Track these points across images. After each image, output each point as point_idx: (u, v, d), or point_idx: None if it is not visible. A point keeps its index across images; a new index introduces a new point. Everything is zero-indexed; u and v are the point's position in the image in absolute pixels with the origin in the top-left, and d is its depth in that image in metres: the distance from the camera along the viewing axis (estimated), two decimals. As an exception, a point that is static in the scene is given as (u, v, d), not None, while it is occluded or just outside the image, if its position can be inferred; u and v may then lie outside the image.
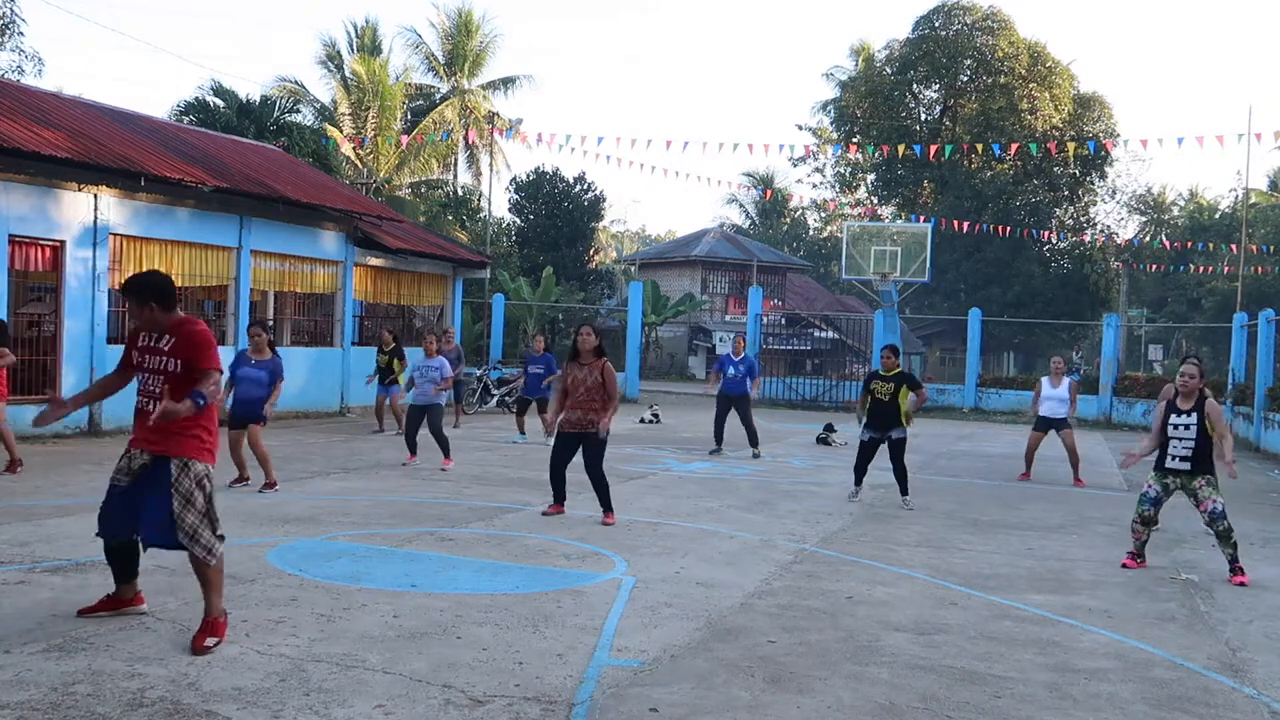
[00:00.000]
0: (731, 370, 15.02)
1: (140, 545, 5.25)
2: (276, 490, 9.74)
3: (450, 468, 12.00)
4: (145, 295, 5.17)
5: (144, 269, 14.99)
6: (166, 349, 5.15)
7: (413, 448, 12.37)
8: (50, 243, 13.72)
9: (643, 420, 20.07)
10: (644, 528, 8.69)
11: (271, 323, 18.81)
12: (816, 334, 40.18)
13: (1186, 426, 7.60)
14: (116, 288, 14.77)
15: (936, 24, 44.75)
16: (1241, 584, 7.46)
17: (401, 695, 4.44)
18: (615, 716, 4.34)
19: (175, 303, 5.29)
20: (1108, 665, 5.36)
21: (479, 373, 22.06)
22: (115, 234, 14.48)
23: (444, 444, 12.20)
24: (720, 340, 40.75)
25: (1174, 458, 7.66)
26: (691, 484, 11.68)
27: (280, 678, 4.57)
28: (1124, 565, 7.90)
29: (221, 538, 5.14)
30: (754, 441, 14.98)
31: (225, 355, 16.21)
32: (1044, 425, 13.31)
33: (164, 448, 5.07)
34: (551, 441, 14.88)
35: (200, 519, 5.03)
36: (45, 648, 4.84)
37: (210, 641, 4.92)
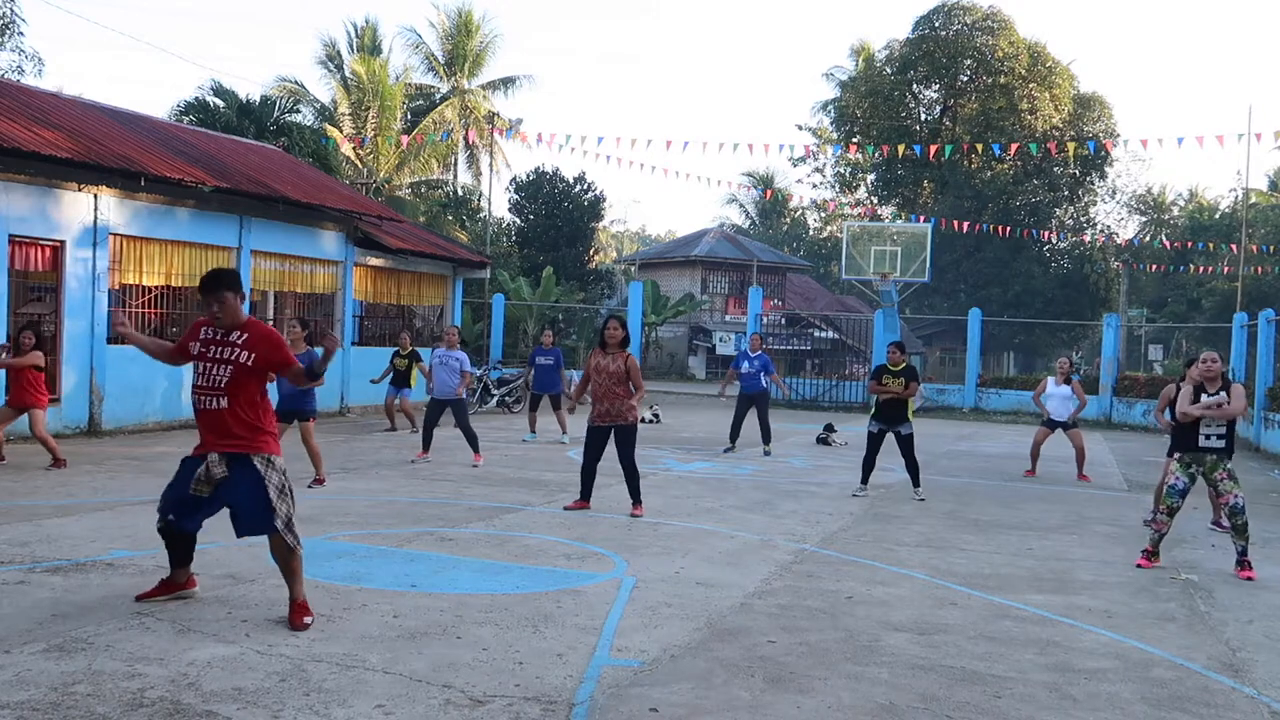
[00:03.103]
0: (747, 365, 15.10)
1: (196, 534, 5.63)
2: (324, 486, 10.12)
3: (481, 463, 12.17)
4: (228, 283, 5.39)
5: (144, 269, 15.04)
6: (240, 342, 5.36)
7: (427, 443, 12.43)
8: (50, 243, 13.71)
9: (643, 420, 20.06)
10: (644, 528, 8.69)
11: (271, 322, 18.82)
12: (816, 334, 40.18)
13: (1219, 406, 7.69)
14: (117, 287, 14.80)
15: (936, 24, 44.75)
16: (1248, 578, 7.51)
17: (401, 695, 4.44)
18: (615, 716, 4.34)
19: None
20: (1108, 665, 5.36)
21: (479, 373, 22.05)
22: (115, 234, 14.48)
23: (474, 439, 12.32)
24: (720, 340, 40.75)
25: (1209, 437, 7.74)
26: (691, 484, 11.68)
27: (280, 678, 4.58)
28: (1139, 565, 7.86)
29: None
30: (766, 439, 15.10)
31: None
32: (1051, 424, 13.47)
33: (243, 447, 5.33)
34: (567, 439, 15.05)
35: (291, 508, 5.38)
36: (45, 648, 4.84)
37: (308, 619, 5.32)
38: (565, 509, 9.32)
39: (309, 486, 10.05)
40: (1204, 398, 7.75)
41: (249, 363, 5.33)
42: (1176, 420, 8.12)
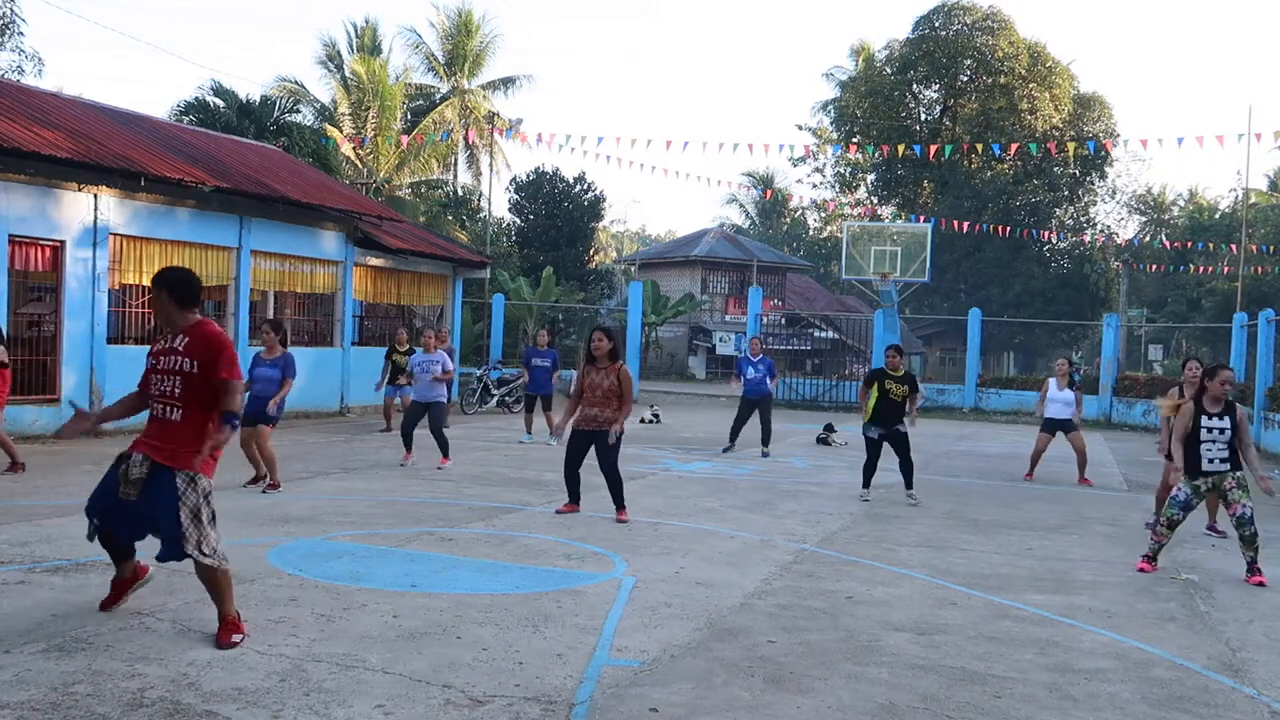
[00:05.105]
0: (751, 371, 15.08)
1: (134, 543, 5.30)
2: (280, 491, 9.71)
3: (448, 467, 11.90)
4: (161, 283, 5.16)
5: (144, 269, 15.03)
6: (181, 349, 5.07)
7: (408, 444, 12.23)
8: (50, 243, 13.71)
9: (643, 420, 20.07)
10: (644, 528, 8.69)
11: (271, 323, 18.82)
12: (816, 334, 40.17)
13: (1221, 430, 7.59)
14: (117, 288, 14.80)
15: (936, 24, 44.78)
16: (1260, 584, 7.42)
17: (401, 695, 4.44)
18: (615, 716, 4.34)
19: (193, 302, 5.22)
20: (1108, 665, 5.36)
21: (479, 373, 22.06)
22: (115, 234, 14.48)
23: (443, 443, 12.07)
24: (720, 340, 40.73)
25: (1211, 461, 7.59)
26: (691, 484, 11.68)
27: (280, 678, 4.58)
28: (1140, 570, 7.74)
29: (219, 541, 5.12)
30: (766, 440, 15.07)
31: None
32: (1051, 427, 13.23)
33: (171, 459, 5.01)
34: (555, 441, 14.96)
35: (204, 533, 5.01)
36: (45, 648, 4.84)
37: (236, 638, 5.01)
38: (557, 512, 9.18)
39: (263, 491, 9.70)
40: (1205, 420, 7.61)
41: (193, 370, 5.02)
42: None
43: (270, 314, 19.00)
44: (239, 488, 9.72)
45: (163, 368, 5.10)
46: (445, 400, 12.29)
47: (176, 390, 5.05)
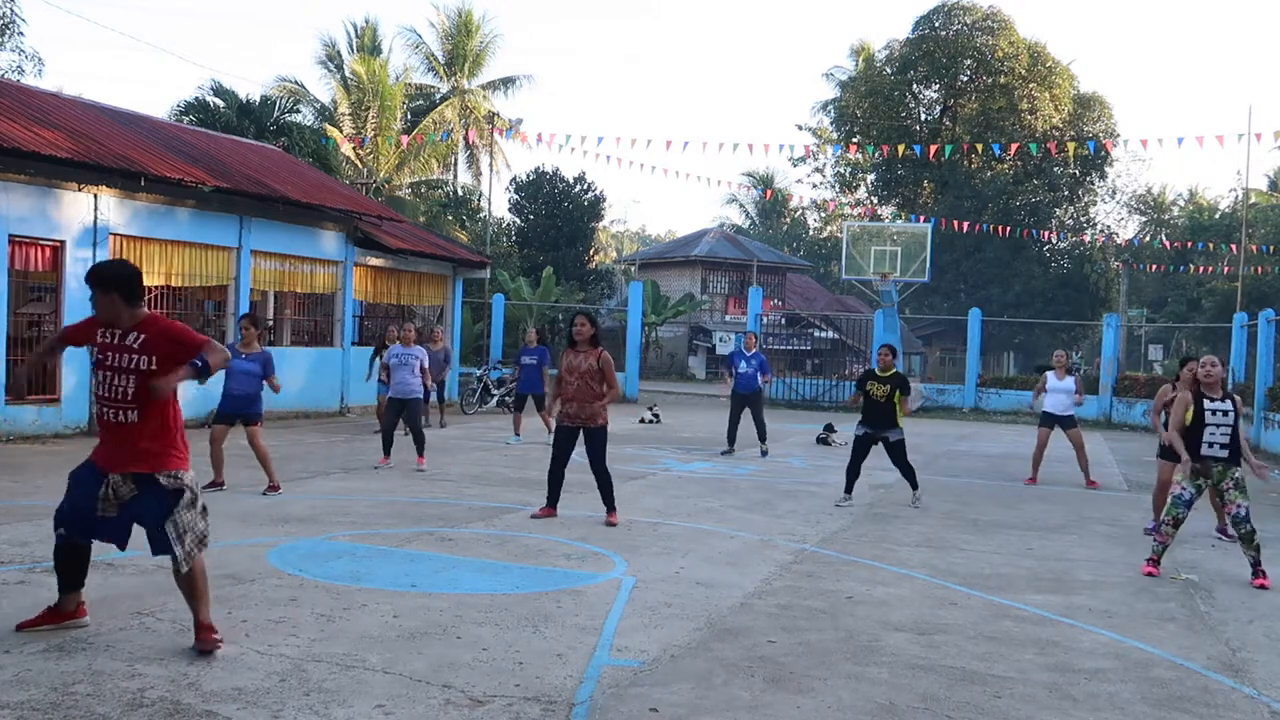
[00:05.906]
0: (744, 365, 14.96)
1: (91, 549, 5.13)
2: (280, 491, 9.61)
3: (424, 467, 11.68)
4: (109, 283, 4.86)
5: (144, 269, 14.97)
6: (136, 346, 4.82)
7: (387, 448, 11.93)
8: (50, 243, 13.71)
9: (643, 420, 20.07)
10: (644, 528, 8.69)
11: (271, 322, 18.82)
12: (816, 334, 40.22)
13: (1225, 413, 7.54)
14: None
15: (936, 24, 44.82)
16: (1262, 586, 7.35)
17: (401, 695, 4.44)
18: (615, 716, 4.34)
19: (142, 299, 5.01)
20: (1108, 665, 5.36)
21: (479, 373, 22.06)
22: (115, 234, 14.47)
23: (420, 441, 11.86)
24: (720, 340, 40.75)
25: (1212, 445, 7.53)
26: (691, 484, 11.67)
27: (280, 678, 4.57)
28: (1148, 573, 7.62)
29: (204, 544, 4.99)
30: (762, 438, 14.97)
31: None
32: (1050, 421, 12.90)
33: (150, 466, 4.83)
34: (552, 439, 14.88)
35: (191, 522, 4.86)
36: (45, 648, 4.83)
37: (216, 636, 4.91)
38: (532, 517, 8.92)
39: (263, 494, 9.56)
40: (1209, 404, 7.57)
41: (151, 368, 4.76)
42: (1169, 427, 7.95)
43: (270, 314, 19.02)
44: (235, 489, 9.70)
45: (113, 365, 4.82)
46: (421, 397, 12.04)
47: (130, 391, 4.80)
